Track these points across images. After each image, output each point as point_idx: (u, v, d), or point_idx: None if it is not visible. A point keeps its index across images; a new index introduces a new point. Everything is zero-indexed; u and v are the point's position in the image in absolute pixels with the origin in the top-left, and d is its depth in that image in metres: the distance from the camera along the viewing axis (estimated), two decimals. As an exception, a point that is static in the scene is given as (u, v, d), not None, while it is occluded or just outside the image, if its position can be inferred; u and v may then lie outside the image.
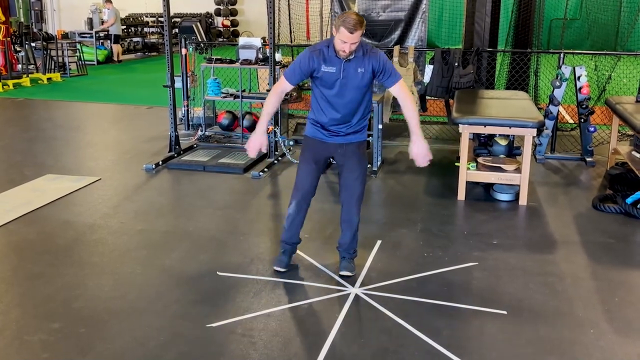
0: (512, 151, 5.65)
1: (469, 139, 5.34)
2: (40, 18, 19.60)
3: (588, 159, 6.39)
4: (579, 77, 6.39)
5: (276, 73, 6.66)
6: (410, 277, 3.80)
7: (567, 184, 5.80)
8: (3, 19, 12.95)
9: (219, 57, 7.30)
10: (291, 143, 6.62)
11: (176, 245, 4.31)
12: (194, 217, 4.87)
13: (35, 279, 3.78)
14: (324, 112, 3.63)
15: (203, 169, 6.15)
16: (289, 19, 9.70)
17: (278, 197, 5.48)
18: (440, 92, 7.31)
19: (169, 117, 6.78)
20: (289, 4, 9.71)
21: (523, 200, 5.16)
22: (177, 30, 7.96)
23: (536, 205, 5.16)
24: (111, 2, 16.40)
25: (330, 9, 8.36)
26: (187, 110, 7.74)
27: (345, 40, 3.40)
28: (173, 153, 6.62)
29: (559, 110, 6.59)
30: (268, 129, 6.59)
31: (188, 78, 7.59)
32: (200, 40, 7.88)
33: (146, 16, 20.06)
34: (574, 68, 6.41)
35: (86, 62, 14.57)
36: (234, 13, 21.08)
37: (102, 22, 16.96)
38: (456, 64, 7.11)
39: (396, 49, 7.30)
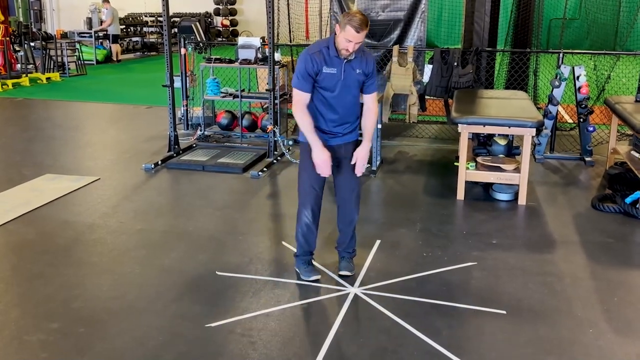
0: (512, 151, 5.65)
1: (468, 138, 5.34)
2: (40, 18, 19.57)
3: (587, 159, 6.40)
4: (578, 77, 6.39)
5: (275, 73, 6.66)
6: (409, 277, 3.80)
7: (566, 183, 5.80)
8: (2, 18, 12.94)
9: (218, 56, 7.30)
10: (290, 143, 6.61)
11: (175, 245, 4.31)
12: (193, 216, 4.86)
13: (35, 278, 3.78)
14: (323, 116, 3.59)
15: (202, 168, 6.15)
16: (288, 19, 9.69)
17: (277, 197, 5.48)
18: (439, 92, 7.31)
19: (168, 116, 6.78)
20: (288, 4, 9.69)
21: (522, 200, 5.16)
22: (176, 29, 7.96)
23: (535, 205, 5.17)
24: (109, 2, 16.39)
25: (330, 8, 8.35)
26: (187, 109, 7.74)
27: (351, 40, 3.40)
28: (172, 153, 6.62)
29: (558, 110, 6.59)
30: (267, 128, 6.61)
31: (187, 78, 7.59)
32: (199, 39, 7.88)
33: (145, 16, 20.06)
34: (573, 68, 6.41)
35: (85, 62, 14.57)
36: (233, 13, 21.08)
37: (101, 22, 16.96)
38: (455, 64, 7.11)
39: (395, 48, 7.30)
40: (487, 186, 5.44)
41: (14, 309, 3.42)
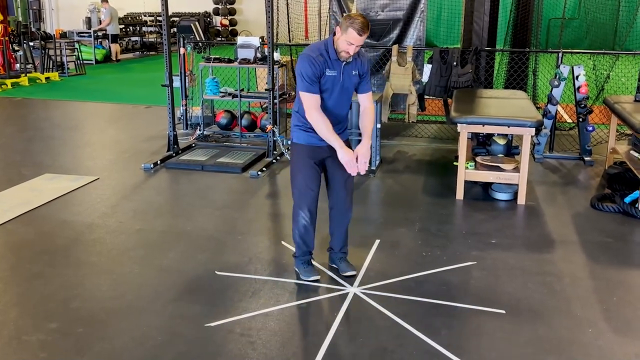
0: (511, 150, 5.65)
1: (468, 138, 5.34)
2: (39, 17, 19.54)
3: (586, 158, 6.40)
4: (577, 77, 6.39)
5: (275, 72, 6.66)
6: (408, 277, 3.80)
7: (566, 183, 5.80)
8: (1, 18, 12.95)
9: (217, 56, 7.29)
10: (289, 142, 6.61)
11: (174, 244, 4.30)
12: (193, 216, 4.86)
13: (34, 278, 3.77)
14: None
15: (201, 168, 6.15)
16: (288, 18, 9.69)
17: (276, 197, 5.48)
18: (438, 92, 7.31)
19: (168, 116, 6.77)
20: (287, 4, 9.70)
21: (521, 200, 5.16)
22: (175, 29, 7.95)
23: (534, 204, 5.17)
24: (107, 2, 16.38)
25: (329, 8, 8.35)
26: (186, 109, 7.74)
27: (353, 43, 3.40)
28: (171, 152, 6.62)
29: (557, 110, 6.59)
30: (267, 128, 6.60)
31: (186, 77, 7.59)
32: (198, 39, 7.88)
33: (144, 15, 20.05)
34: (573, 67, 6.41)
35: (84, 62, 14.56)
36: (232, 12, 21.07)
37: (101, 22, 16.95)
38: (455, 64, 7.11)
39: (395, 48, 7.30)
40: (487, 186, 5.44)
41: (13, 309, 3.41)
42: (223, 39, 20.20)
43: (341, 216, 3.79)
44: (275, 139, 6.52)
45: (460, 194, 5.28)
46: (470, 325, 3.25)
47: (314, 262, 3.88)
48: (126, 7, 19.78)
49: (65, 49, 13.93)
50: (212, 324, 3.24)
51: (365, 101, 3.69)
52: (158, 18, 19.23)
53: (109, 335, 3.14)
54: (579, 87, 6.40)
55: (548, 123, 6.42)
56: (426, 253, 4.16)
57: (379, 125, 6.12)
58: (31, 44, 13.55)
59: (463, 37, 7.71)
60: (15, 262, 4.02)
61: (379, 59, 7.87)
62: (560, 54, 6.78)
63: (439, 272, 3.86)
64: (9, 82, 11.87)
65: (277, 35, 9.14)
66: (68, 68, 13.77)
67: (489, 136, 5.74)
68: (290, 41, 9.62)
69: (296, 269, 3.82)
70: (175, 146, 6.76)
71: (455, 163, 5.45)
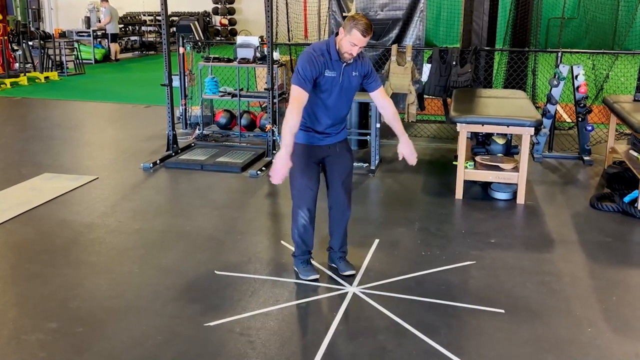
0: (510, 150, 5.65)
1: (467, 137, 5.34)
2: (38, 17, 19.50)
3: (586, 158, 6.40)
4: (576, 76, 6.39)
5: (274, 72, 6.66)
6: (408, 276, 3.80)
7: (565, 182, 5.80)
8: (0, 17, 12.92)
9: (216, 55, 7.29)
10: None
11: (174, 244, 4.30)
12: (192, 216, 4.86)
13: (33, 278, 3.77)
14: (318, 119, 3.56)
15: (201, 168, 6.14)
16: (287, 18, 9.69)
17: (276, 196, 5.48)
18: (438, 91, 7.31)
19: (167, 116, 6.77)
20: (286, 3, 9.69)
21: (521, 199, 5.16)
22: (174, 29, 7.95)
23: (534, 204, 5.17)
24: (107, 1, 16.37)
25: (328, 7, 8.35)
26: (185, 109, 7.74)
27: (356, 44, 3.40)
28: (171, 152, 6.62)
29: (556, 109, 6.59)
30: (266, 127, 6.61)
31: (186, 77, 7.58)
32: (197, 39, 7.87)
33: (144, 15, 20.04)
34: (572, 67, 6.41)
35: (84, 61, 14.55)
36: (231, 12, 21.06)
37: (100, 21, 16.94)
38: (454, 63, 7.11)
39: (394, 47, 7.30)
40: (486, 185, 5.44)
41: (12, 309, 3.41)
42: (222, 38, 20.19)
43: (340, 215, 3.79)
44: (274, 138, 6.51)
45: (459, 193, 5.28)
46: (470, 325, 3.25)
47: (313, 262, 3.88)
48: (125, 6, 19.76)
49: (65, 48, 13.92)
50: (212, 324, 3.24)
51: (380, 98, 3.68)
52: (157, 17, 19.23)
53: (108, 334, 3.14)
54: (578, 87, 6.40)
55: (547, 122, 6.42)
56: (425, 252, 4.16)
57: (378, 125, 6.13)
58: (30, 43, 13.55)
59: (462, 37, 7.71)
60: (15, 262, 4.02)
61: (379, 58, 7.87)
62: (559, 54, 6.78)
63: (438, 272, 3.86)
64: (8, 81, 11.86)
65: (276, 34, 9.13)
66: (67, 67, 13.76)
67: (489, 136, 5.74)
68: (289, 41, 9.62)
69: (295, 269, 3.82)
70: (175, 146, 6.76)
71: (454, 162, 5.45)
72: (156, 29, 19.69)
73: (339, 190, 3.73)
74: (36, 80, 12.51)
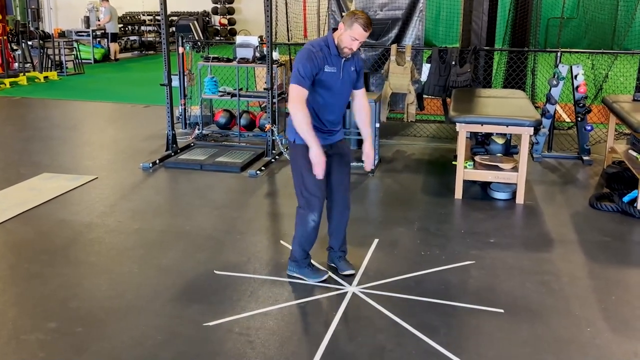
0: (509, 150, 5.66)
1: (466, 137, 5.35)
2: (37, 16, 19.54)
3: (585, 158, 6.40)
4: (576, 76, 6.40)
5: (273, 72, 6.66)
6: (407, 276, 3.80)
7: (564, 182, 5.81)
8: (0, 17, 12.91)
9: (216, 55, 7.29)
10: (287, 142, 6.60)
11: (173, 244, 4.30)
12: (191, 216, 4.86)
13: (32, 278, 3.77)
14: (319, 116, 3.55)
15: (200, 167, 6.14)
16: (286, 18, 9.69)
17: (275, 196, 5.47)
18: (437, 91, 7.31)
19: (166, 115, 6.77)
20: (286, 3, 9.70)
21: (520, 199, 5.16)
22: (174, 28, 7.95)
23: (533, 203, 5.17)
24: (107, 1, 16.36)
25: (328, 7, 8.35)
26: (184, 108, 7.74)
27: (357, 38, 3.40)
28: (170, 152, 6.62)
29: (556, 109, 6.60)
30: (265, 127, 6.60)
31: (185, 77, 7.58)
32: (197, 38, 7.87)
33: (143, 15, 20.04)
34: (571, 67, 6.42)
35: (83, 61, 14.54)
36: (231, 11, 21.05)
37: (99, 21, 16.93)
38: (453, 63, 7.11)
39: (393, 47, 7.30)
40: (485, 185, 5.44)
41: (12, 309, 3.41)
42: (222, 38, 20.19)
43: (341, 215, 3.79)
44: (274, 138, 6.51)
45: (459, 193, 5.28)
46: (469, 325, 3.26)
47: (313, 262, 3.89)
48: (125, 6, 19.76)
49: (64, 48, 13.91)
50: (211, 324, 3.24)
51: (362, 97, 3.73)
52: (157, 17, 19.22)
53: (107, 334, 3.14)
54: (577, 87, 6.41)
55: (547, 122, 6.43)
56: (425, 252, 4.16)
57: (377, 125, 6.12)
58: (30, 43, 13.54)
59: (462, 37, 7.71)
60: (14, 262, 4.02)
61: (378, 58, 7.87)
62: (559, 54, 6.78)
63: (438, 272, 3.87)
64: (7, 81, 11.85)
65: (276, 34, 9.14)
66: (67, 67, 13.75)
67: (488, 135, 5.75)
68: (289, 40, 9.62)
69: (297, 275, 3.77)
70: (174, 145, 6.76)
71: (454, 162, 5.45)
72: (155, 29, 19.69)
73: (339, 190, 3.73)
74: (35, 80, 12.50)
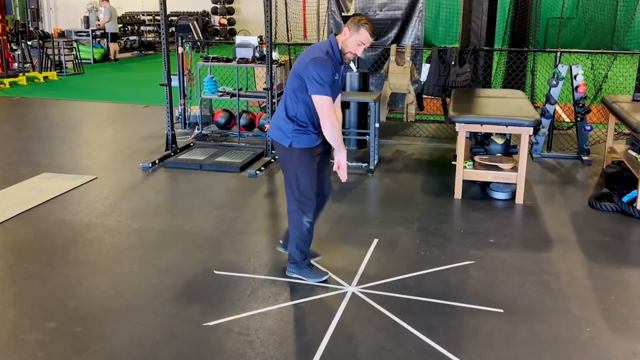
0: (509, 150, 5.66)
1: (466, 137, 5.35)
2: (37, 16, 19.55)
3: (584, 158, 6.40)
4: (575, 76, 6.40)
5: (273, 72, 6.66)
6: (406, 276, 3.80)
7: (564, 182, 5.81)
8: (-1, 17, 12.92)
9: (215, 55, 7.29)
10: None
11: (173, 244, 4.30)
12: (191, 215, 4.86)
13: (32, 278, 3.77)
14: (314, 120, 3.53)
15: (200, 167, 6.14)
16: (286, 18, 9.70)
17: (275, 196, 5.47)
18: (437, 91, 7.32)
19: (166, 115, 6.76)
20: (285, 3, 9.70)
21: (519, 199, 5.17)
22: (173, 28, 7.95)
23: (532, 203, 5.17)
24: (107, 0, 16.36)
25: (327, 7, 8.35)
26: (184, 108, 7.74)
27: (364, 43, 3.41)
28: (170, 152, 6.62)
29: (555, 109, 6.60)
30: (265, 127, 6.60)
31: (185, 76, 7.58)
32: (197, 38, 7.87)
33: (143, 15, 20.04)
34: (571, 67, 6.42)
35: (83, 61, 14.54)
36: (230, 12, 21.05)
37: (99, 20, 16.93)
38: (453, 63, 7.11)
39: (393, 47, 7.30)
40: (485, 185, 5.44)
41: (11, 308, 3.41)
42: (221, 38, 20.19)
43: (324, 202, 3.89)
44: (273, 138, 6.50)
45: (458, 193, 5.29)
46: (468, 324, 3.26)
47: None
48: (124, 6, 19.76)
49: (64, 48, 13.91)
50: (211, 323, 3.24)
51: (338, 104, 3.70)
52: (156, 17, 19.21)
53: (107, 334, 3.14)
54: (577, 87, 6.41)
55: (546, 122, 6.43)
56: (424, 252, 4.17)
57: (377, 125, 6.13)
58: (29, 43, 13.54)
59: (461, 37, 7.72)
60: (13, 262, 4.02)
61: (377, 58, 7.87)
62: (558, 54, 6.78)
63: (437, 272, 3.87)
64: (7, 81, 11.85)
65: (275, 34, 9.14)
66: (66, 67, 13.75)
67: (487, 135, 5.75)
68: (288, 40, 9.62)
69: (297, 275, 3.76)
70: (174, 145, 6.75)
71: (453, 162, 5.45)
72: (155, 29, 19.69)
73: (327, 180, 3.83)
74: (35, 80, 12.50)
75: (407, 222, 4.73)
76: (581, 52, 8.26)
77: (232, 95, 7.20)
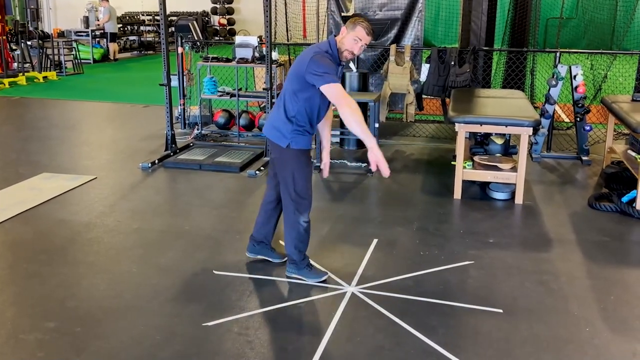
0: (508, 150, 5.66)
1: (465, 137, 5.35)
2: (36, 16, 19.55)
3: (584, 158, 6.41)
4: (575, 76, 6.40)
5: (273, 72, 6.66)
6: (406, 276, 3.80)
7: (563, 182, 5.81)
8: (-1, 17, 12.92)
9: (215, 55, 7.29)
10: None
11: (172, 244, 4.30)
12: (190, 215, 4.86)
13: (31, 278, 3.77)
14: (311, 121, 3.55)
15: (199, 167, 6.14)
16: (286, 18, 9.70)
17: (274, 196, 5.47)
18: (436, 91, 7.32)
19: (165, 115, 6.76)
20: (285, 3, 9.71)
21: (519, 199, 5.17)
22: (173, 28, 7.95)
23: (532, 204, 5.17)
24: (107, 0, 16.36)
25: (327, 7, 8.36)
26: (184, 108, 7.74)
27: (361, 39, 3.42)
28: (169, 152, 6.61)
29: (555, 109, 6.60)
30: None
31: (184, 77, 7.58)
32: (196, 38, 7.87)
33: (142, 15, 20.04)
34: (570, 67, 6.42)
35: (82, 61, 14.53)
36: (230, 12, 21.06)
37: (98, 20, 16.93)
38: (452, 63, 7.12)
39: (393, 47, 7.30)
40: (484, 185, 5.44)
41: (10, 308, 3.41)
42: (221, 38, 20.19)
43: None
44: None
45: (457, 193, 5.29)
46: (468, 324, 3.26)
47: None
48: (124, 6, 19.77)
49: (63, 48, 13.91)
50: (210, 323, 3.24)
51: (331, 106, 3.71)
52: (156, 17, 19.22)
53: (106, 334, 3.14)
54: (576, 87, 6.41)
55: (546, 122, 6.44)
56: (424, 252, 4.17)
57: (377, 125, 6.13)
58: (29, 43, 13.54)
59: (461, 37, 7.72)
60: (13, 261, 4.02)
61: (377, 58, 7.87)
62: (557, 54, 6.79)
63: (437, 272, 3.87)
64: (6, 81, 11.85)
65: (275, 34, 9.14)
66: (66, 67, 13.75)
67: (487, 136, 5.75)
68: (288, 40, 9.62)
69: (296, 275, 3.76)
70: (173, 145, 6.75)
71: (453, 162, 5.45)
72: (155, 29, 19.69)
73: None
74: (35, 80, 12.50)
75: (407, 222, 4.73)
76: (581, 52, 8.27)
77: (232, 95, 7.20)
